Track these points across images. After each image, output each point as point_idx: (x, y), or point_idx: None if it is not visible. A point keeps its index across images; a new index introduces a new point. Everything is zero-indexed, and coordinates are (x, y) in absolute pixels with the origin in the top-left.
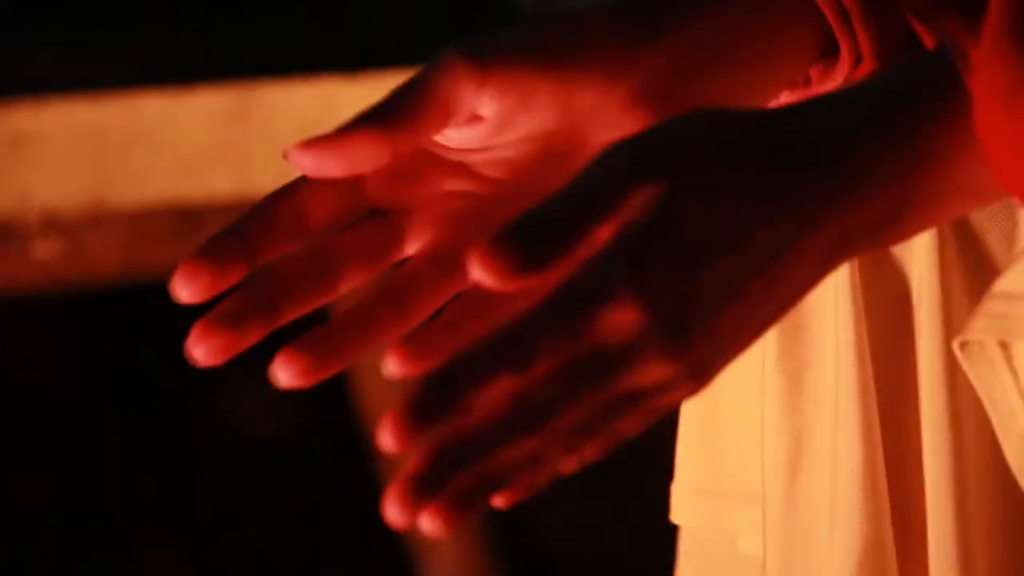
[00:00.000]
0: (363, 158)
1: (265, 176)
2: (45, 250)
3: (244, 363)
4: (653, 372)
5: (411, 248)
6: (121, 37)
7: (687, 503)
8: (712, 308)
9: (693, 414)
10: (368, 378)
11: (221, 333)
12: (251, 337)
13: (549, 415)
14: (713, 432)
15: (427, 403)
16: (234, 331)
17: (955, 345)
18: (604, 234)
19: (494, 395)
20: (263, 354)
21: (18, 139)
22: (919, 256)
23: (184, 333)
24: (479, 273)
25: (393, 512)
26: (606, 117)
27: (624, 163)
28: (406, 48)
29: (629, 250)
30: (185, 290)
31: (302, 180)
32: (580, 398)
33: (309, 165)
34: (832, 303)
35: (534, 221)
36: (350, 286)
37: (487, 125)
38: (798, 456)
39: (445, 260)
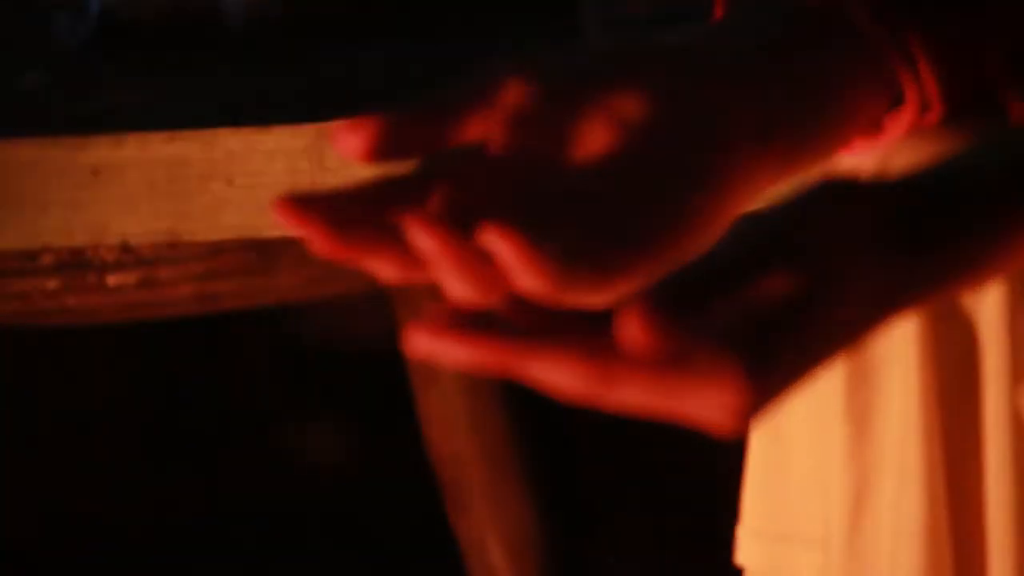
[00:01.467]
0: (409, 145)
1: None
2: (120, 281)
3: (308, 400)
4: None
5: None
6: (197, 72)
7: (751, 545)
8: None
9: (760, 457)
10: (435, 415)
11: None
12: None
13: None
14: (779, 476)
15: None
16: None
17: (1022, 397)
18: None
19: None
20: (331, 395)
21: (97, 171)
22: (989, 306)
23: (254, 367)
24: (630, 330)
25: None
26: (646, 126)
27: (765, 241)
28: None
29: (756, 338)
30: (355, 140)
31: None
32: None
33: (355, 144)
34: (900, 350)
35: (682, 287)
36: None
37: (529, 120)
38: (861, 502)
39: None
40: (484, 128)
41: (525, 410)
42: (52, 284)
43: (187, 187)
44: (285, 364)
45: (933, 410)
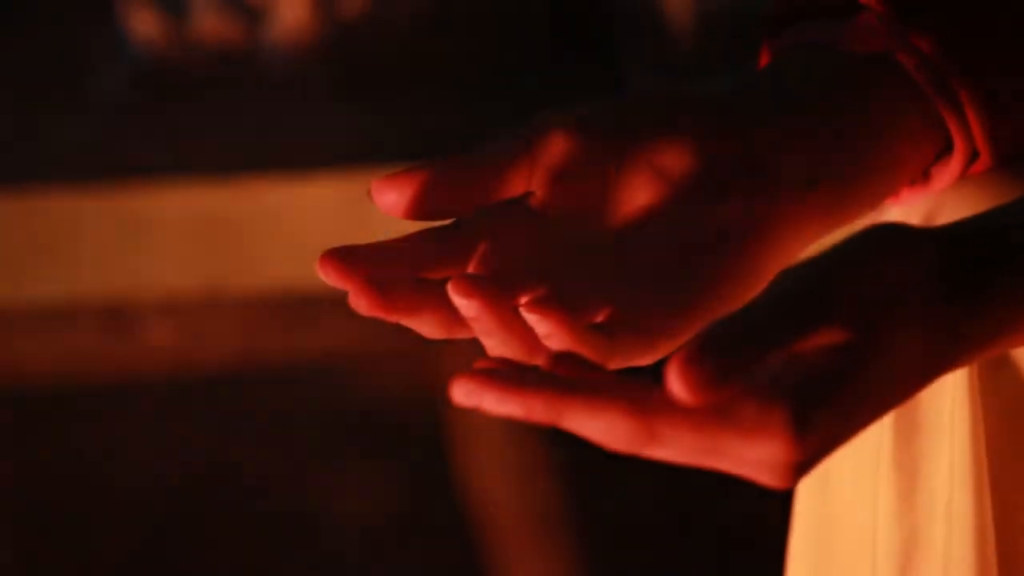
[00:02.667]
0: (448, 202)
1: None
2: (159, 335)
3: (345, 462)
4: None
5: None
6: (237, 122)
7: None
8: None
9: (807, 512)
10: (481, 467)
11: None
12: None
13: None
14: (826, 530)
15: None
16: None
17: None
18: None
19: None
20: (369, 456)
21: (136, 222)
22: None
23: (290, 424)
24: (677, 386)
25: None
26: (689, 181)
27: (821, 299)
28: None
29: (802, 385)
30: (391, 196)
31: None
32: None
33: (391, 198)
34: (949, 401)
35: (731, 344)
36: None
37: (572, 176)
38: (910, 555)
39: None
40: (526, 183)
41: (573, 460)
42: (91, 339)
43: (227, 238)
44: (320, 418)
45: (982, 462)
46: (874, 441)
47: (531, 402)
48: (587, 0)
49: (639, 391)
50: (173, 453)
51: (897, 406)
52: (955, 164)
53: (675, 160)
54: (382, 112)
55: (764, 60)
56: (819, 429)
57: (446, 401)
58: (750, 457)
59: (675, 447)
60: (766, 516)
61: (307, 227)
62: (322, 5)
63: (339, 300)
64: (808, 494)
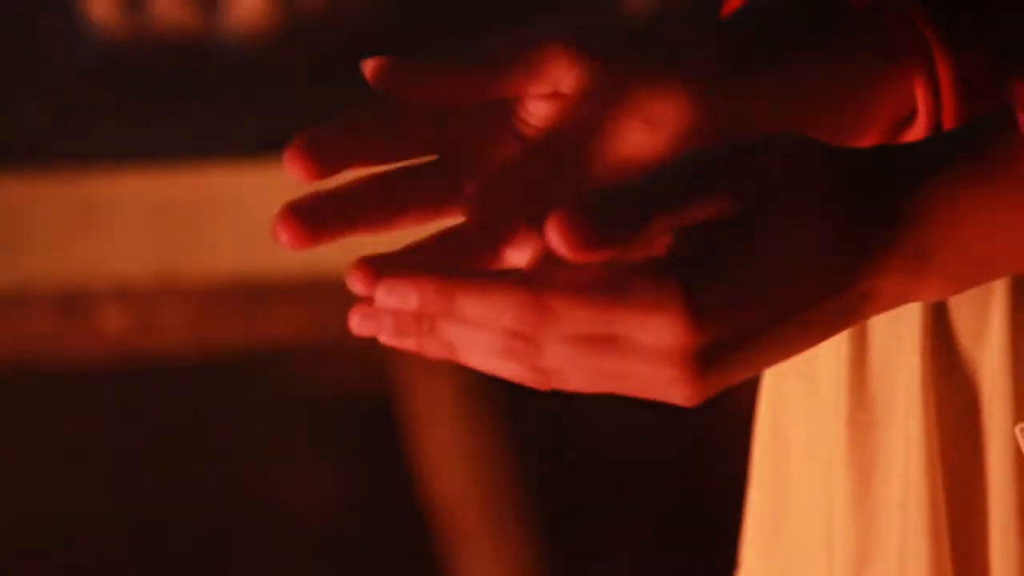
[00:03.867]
0: (438, 90)
1: (336, 252)
2: (113, 321)
3: (298, 450)
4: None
5: (462, 200)
6: (192, 109)
7: None
8: (750, 341)
9: (759, 508)
10: (434, 454)
11: (301, 223)
12: (325, 236)
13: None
14: (779, 528)
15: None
16: (313, 227)
17: (1017, 430)
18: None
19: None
20: (322, 444)
21: (88, 209)
22: (992, 353)
23: (243, 411)
24: (556, 239)
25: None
26: (680, 133)
27: (717, 170)
28: None
29: (694, 259)
30: (299, 164)
31: (391, 106)
32: (576, 367)
33: (384, 80)
34: (903, 399)
35: (618, 201)
36: (404, 226)
37: (563, 104)
38: (865, 554)
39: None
40: (519, 88)
41: (525, 445)
42: (44, 326)
43: (181, 225)
44: (273, 406)
45: (936, 462)
46: (828, 441)
47: (423, 288)
48: None
49: (531, 272)
50: (125, 439)
51: (802, 314)
52: (916, 132)
53: (670, 113)
54: (338, 100)
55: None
56: (715, 307)
57: (400, 388)
58: (648, 344)
59: (571, 333)
60: (716, 502)
61: (261, 214)
62: None
63: (292, 287)
64: (760, 494)
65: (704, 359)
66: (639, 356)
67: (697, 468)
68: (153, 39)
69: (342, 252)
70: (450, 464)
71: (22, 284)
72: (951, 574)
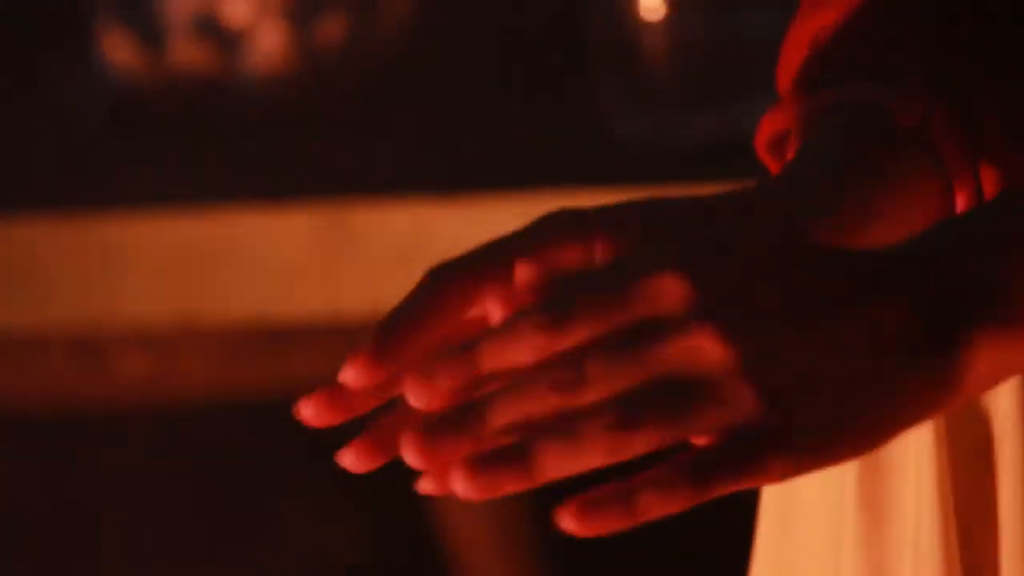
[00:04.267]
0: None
1: (356, 297)
2: (132, 366)
3: (319, 494)
4: (703, 355)
5: None
6: (211, 152)
7: None
8: (783, 329)
9: (768, 548)
10: (443, 502)
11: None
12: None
13: (578, 378)
14: (788, 568)
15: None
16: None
17: None
18: None
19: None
20: (342, 487)
21: (107, 253)
22: (1003, 394)
23: (263, 454)
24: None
25: (411, 452)
26: None
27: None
28: (501, 171)
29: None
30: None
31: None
32: (613, 365)
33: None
34: (914, 438)
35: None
36: None
37: None
38: None
39: None
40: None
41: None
42: (63, 370)
43: (201, 269)
44: (294, 450)
45: (949, 501)
46: (838, 478)
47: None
48: (560, 29)
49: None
50: (142, 483)
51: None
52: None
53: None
54: (358, 143)
55: (787, 120)
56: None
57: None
58: (664, 310)
59: (605, 358)
60: (727, 550)
61: (281, 258)
62: (299, 34)
63: (311, 332)
64: (768, 534)
65: (708, 309)
66: (664, 333)
67: (725, 516)
68: (172, 82)
69: (362, 296)
70: (467, 508)
71: (41, 328)
72: None
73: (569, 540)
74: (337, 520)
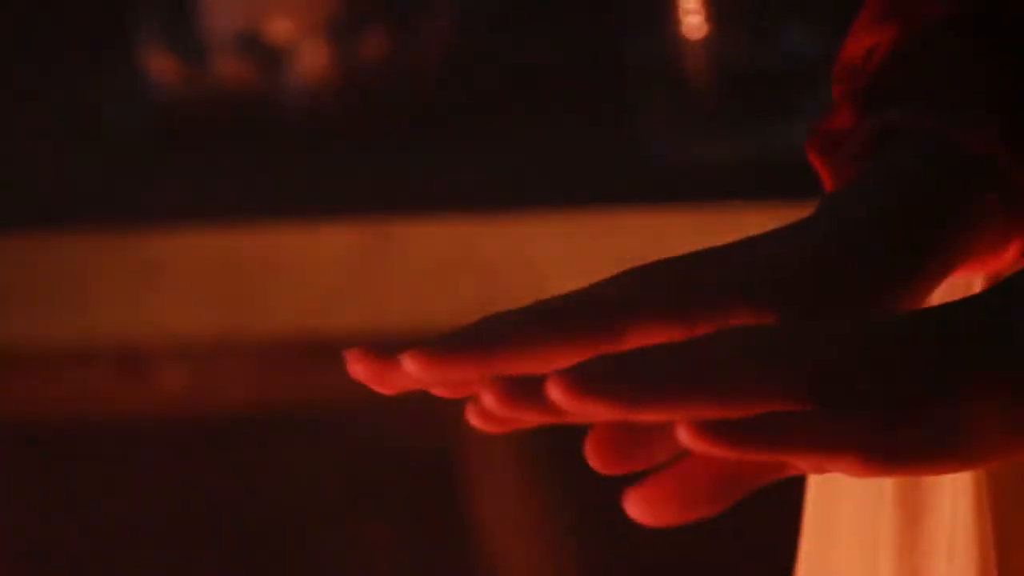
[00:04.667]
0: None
1: (398, 313)
2: (173, 379)
3: (358, 508)
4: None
5: None
6: (253, 167)
7: None
8: None
9: (809, 548)
10: (496, 519)
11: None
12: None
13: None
14: (825, 568)
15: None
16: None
17: None
18: None
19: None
20: (382, 501)
21: (149, 267)
22: None
23: (302, 468)
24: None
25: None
26: None
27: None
28: (543, 189)
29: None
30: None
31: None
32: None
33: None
34: None
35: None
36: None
37: None
38: None
39: None
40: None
41: (587, 514)
42: (104, 383)
43: (241, 283)
44: (334, 464)
45: (984, 508)
46: (875, 489)
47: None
48: (602, 51)
49: None
50: (182, 497)
51: None
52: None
53: None
54: (400, 159)
55: (844, 128)
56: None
57: (460, 446)
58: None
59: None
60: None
61: (322, 273)
62: (342, 50)
63: (353, 346)
64: (809, 534)
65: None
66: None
67: (777, 537)
68: (213, 96)
69: (403, 311)
70: (510, 530)
71: (83, 342)
72: None
73: (608, 560)
74: (375, 532)
